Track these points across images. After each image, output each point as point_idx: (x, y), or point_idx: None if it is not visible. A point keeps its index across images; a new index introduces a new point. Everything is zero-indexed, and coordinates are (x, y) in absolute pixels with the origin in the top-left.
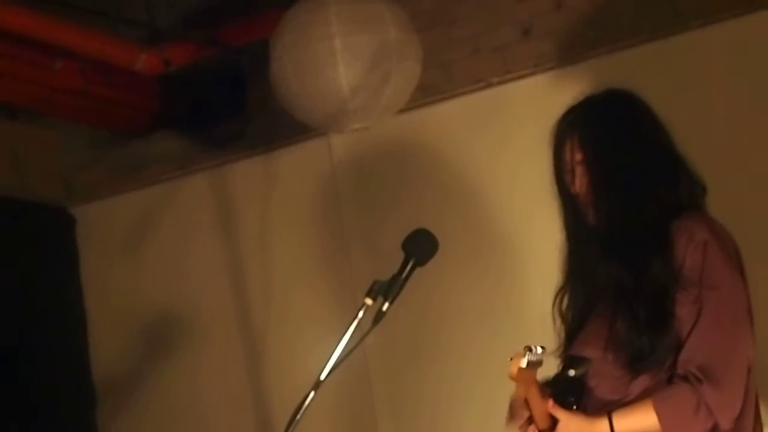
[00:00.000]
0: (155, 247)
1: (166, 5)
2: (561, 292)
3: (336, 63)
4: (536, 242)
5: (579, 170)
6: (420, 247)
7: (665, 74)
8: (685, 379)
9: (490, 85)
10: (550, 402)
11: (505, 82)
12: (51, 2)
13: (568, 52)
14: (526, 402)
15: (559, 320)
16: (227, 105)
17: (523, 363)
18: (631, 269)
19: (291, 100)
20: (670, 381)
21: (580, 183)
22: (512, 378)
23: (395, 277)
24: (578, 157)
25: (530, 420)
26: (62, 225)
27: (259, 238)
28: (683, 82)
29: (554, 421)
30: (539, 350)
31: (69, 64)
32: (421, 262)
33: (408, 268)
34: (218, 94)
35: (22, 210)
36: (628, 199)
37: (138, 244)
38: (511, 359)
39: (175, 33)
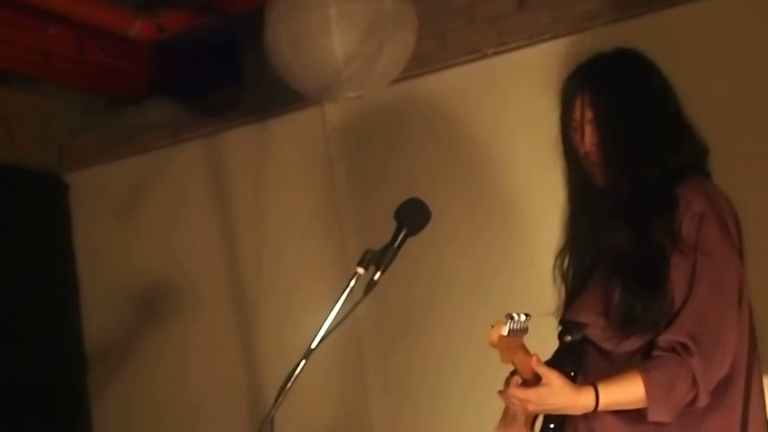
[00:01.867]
0: (148, 215)
1: None
2: (562, 253)
3: (331, 31)
4: (529, 213)
5: (589, 129)
6: (412, 216)
7: (662, 46)
8: (671, 350)
9: (485, 56)
10: (534, 358)
11: (501, 53)
12: None
13: (564, 24)
14: (516, 368)
15: (560, 282)
16: (222, 73)
17: (504, 330)
18: (633, 231)
19: (285, 68)
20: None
21: (590, 142)
22: (492, 345)
23: (387, 247)
24: (589, 115)
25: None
26: (55, 191)
27: (251, 207)
28: (680, 55)
29: (539, 377)
30: (522, 317)
31: (63, 29)
32: (413, 231)
33: (400, 237)
34: (213, 61)
35: (15, 176)
36: (637, 160)
37: (131, 212)
38: (493, 326)
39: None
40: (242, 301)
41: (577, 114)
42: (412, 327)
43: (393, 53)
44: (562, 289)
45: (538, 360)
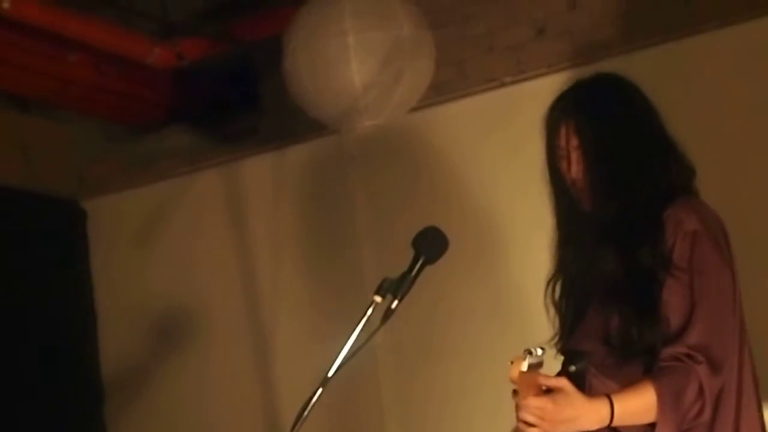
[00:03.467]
0: (166, 242)
1: None
2: (552, 280)
3: (349, 59)
4: (547, 242)
5: (575, 156)
6: (430, 244)
7: (680, 75)
8: (678, 360)
9: (503, 85)
10: (541, 376)
11: (519, 82)
12: None
13: (582, 52)
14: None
15: (552, 310)
16: (240, 100)
17: (524, 366)
18: (622, 257)
19: (303, 96)
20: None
21: (576, 169)
22: (513, 382)
23: (405, 275)
24: (574, 142)
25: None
26: (73, 218)
27: (269, 235)
28: (697, 83)
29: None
30: (539, 351)
31: (83, 56)
32: (430, 260)
33: (417, 265)
34: (231, 89)
35: (33, 203)
36: (623, 184)
37: (149, 239)
38: (512, 363)
39: (189, 27)
40: (259, 329)
41: (563, 141)
42: (431, 356)
43: (411, 82)
44: (556, 318)
45: (545, 375)
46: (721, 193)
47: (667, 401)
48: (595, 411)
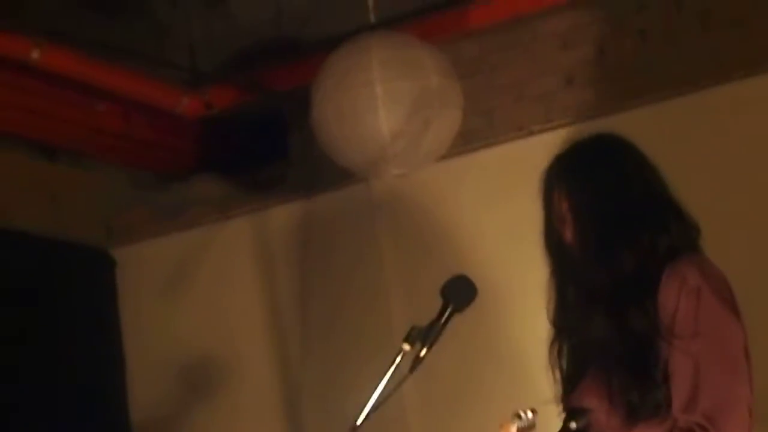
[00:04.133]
0: (195, 291)
1: (208, 49)
2: (555, 343)
3: (377, 109)
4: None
5: (568, 219)
6: (458, 293)
7: (708, 126)
8: (689, 431)
9: (531, 133)
10: None
11: (547, 131)
12: (94, 44)
13: (610, 102)
14: None
15: (556, 371)
16: (268, 149)
17: (513, 430)
18: (612, 326)
19: (331, 145)
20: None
21: (569, 233)
22: None
23: (433, 323)
24: (565, 206)
25: None
26: (102, 267)
27: (298, 283)
28: (726, 134)
29: None
30: (530, 415)
31: (111, 106)
32: (459, 308)
33: (446, 314)
34: (260, 138)
35: (62, 251)
36: (610, 250)
37: (177, 287)
38: (501, 426)
39: (217, 76)
40: (288, 378)
41: (557, 205)
42: (461, 406)
43: (439, 131)
44: (558, 377)
45: None
46: (740, 250)
47: None
48: None
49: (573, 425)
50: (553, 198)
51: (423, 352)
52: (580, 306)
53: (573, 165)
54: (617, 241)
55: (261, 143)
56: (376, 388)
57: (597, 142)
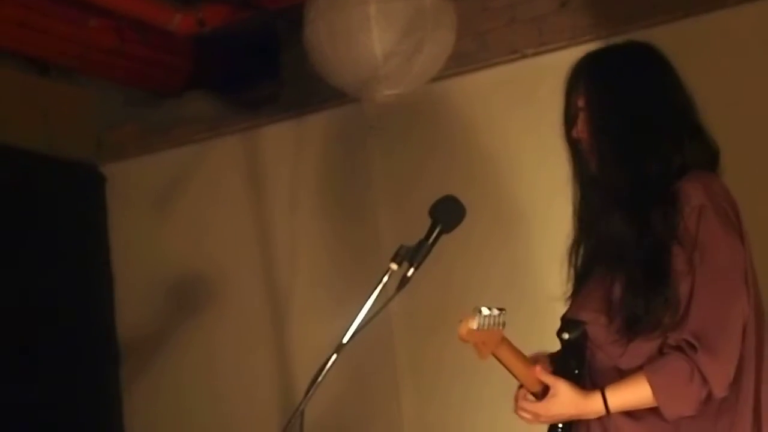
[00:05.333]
0: (184, 208)
1: None
2: (575, 244)
3: (370, 28)
4: (564, 215)
5: (581, 117)
6: (447, 213)
7: (702, 50)
8: (677, 348)
9: (524, 56)
10: (537, 367)
11: (540, 54)
12: None
13: (605, 25)
14: (506, 368)
15: (572, 274)
16: (261, 68)
17: (473, 324)
18: (631, 224)
19: (324, 64)
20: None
21: (580, 129)
22: (462, 339)
23: (421, 243)
24: (581, 102)
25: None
26: (92, 183)
27: (287, 202)
28: (720, 59)
29: (546, 387)
30: (495, 311)
31: (103, 21)
32: (447, 228)
33: (434, 234)
34: (252, 56)
35: (52, 167)
36: (629, 153)
37: (167, 205)
38: (461, 321)
39: None
40: (275, 295)
41: (573, 101)
42: (446, 325)
43: (432, 51)
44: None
45: (542, 369)
46: (746, 174)
47: (664, 394)
48: (589, 408)
49: (565, 336)
50: (572, 93)
51: (410, 272)
52: (600, 205)
53: (596, 64)
54: (635, 146)
55: (253, 62)
56: (362, 306)
57: (627, 47)
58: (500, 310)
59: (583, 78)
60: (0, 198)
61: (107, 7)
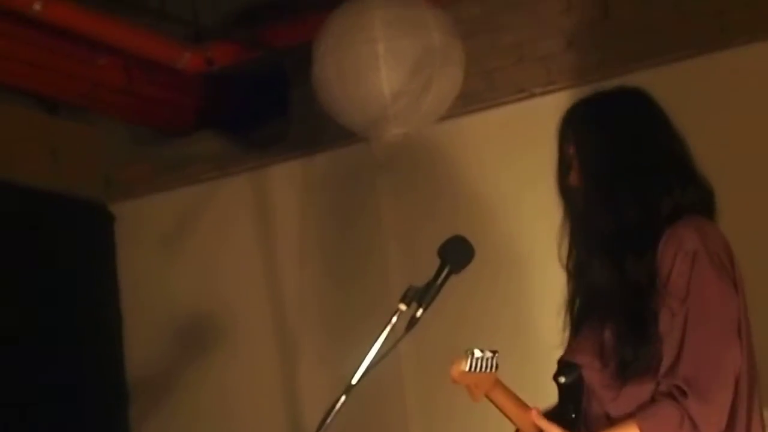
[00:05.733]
0: (193, 247)
1: (211, 4)
2: (571, 292)
3: (378, 67)
4: None
5: (574, 164)
6: (456, 253)
7: (709, 90)
8: (668, 395)
9: (532, 96)
10: (533, 411)
11: (548, 93)
12: None
13: (612, 65)
14: (500, 410)
15: (568, 315)
16: (269, 107)
17: (465, 366)
18: (610, 271)
19: (332, 103)
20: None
21: (573, 178)
22: (453, 381)
23: (430, 284)
24: (571, 150)
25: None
26: (101, 222)
27: (296, 241)
28: (728, 98)
29: (541, 431)
30: (488, 354)
31: (112, 60)
32: (456, 269)
33: (443, 274)
34: (261, 95)
35: (61, 205)
36: (612, 199)
37: (176, 243)
38: (453, 363)
39: (220, 33)
40: (284, 336)
41: (565, 149)
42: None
43: (440, 90)
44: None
45: (537, 413)
46: (745, 215)
47: None
48: None
49: (562, 379)
50: (563, 142)
51: (419, 313)
52: (584, 252)
53: (585, 111)
54: (621, 194)
55: (262, 100)
56: (372, 347)
57: (616, 94)
58: (493, 352)
59: (573, 125)
60: (8, 236)
61: (116, 46)
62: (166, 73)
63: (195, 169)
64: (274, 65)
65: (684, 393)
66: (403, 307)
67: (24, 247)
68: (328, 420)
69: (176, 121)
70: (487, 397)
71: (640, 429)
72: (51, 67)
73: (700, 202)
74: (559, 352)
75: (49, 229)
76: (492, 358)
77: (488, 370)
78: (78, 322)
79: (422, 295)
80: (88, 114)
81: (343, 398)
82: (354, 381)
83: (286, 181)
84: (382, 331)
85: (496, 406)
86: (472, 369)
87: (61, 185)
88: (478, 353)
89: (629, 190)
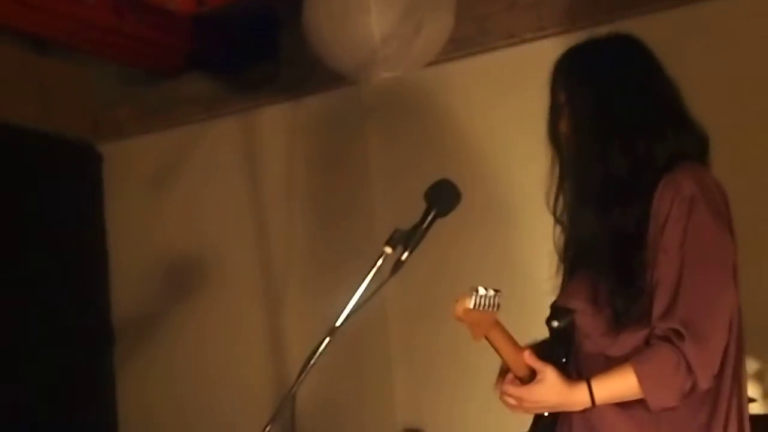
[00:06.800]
0: (180, 189)
1: None
2: (561, 233)
3: (369, 10)
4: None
5: (565, 111)
6: (442, 197)
7: (703, 37)
8: (664, 339)
9: (523, 41)
10: (527, 352)
11: (539, 39)
12: None
13: (604, 10)
14: (496, 350)
15: (562, 263)
16: (259, 49)
17: (469, 304)
18: (599, 222)
19: (322, 46)
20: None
21: (564, 126)
22: (458, 319)
23: (416, 227)
24: (562, 98)
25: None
26: (89, 161)
27: (283, 183)
28: (721, 45)
29: (533, 372)
30: (491, 292)
31: None
32: (442, 212)
33: (429, 218)
34: (251, 37)
35: (49, 144)
36: (602, 149)
37: (163, 185)
38: (457, 300)
39: None
40: (269, 277)
41: (557, 98)
42: (440, 309)
43: (431, 34)
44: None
45: (531, 354)
46: (736, 163)
47: (650, 385)
48: (574, 398)
49: (555, 323)
50: (555, 89)
51: (404, 256)
52: (572, 200)
53: (575, 59)
54: (612, 143)
55: (251, 42)
56: (357, 289)
57: (607, 40)
58: (496, 291)
59: (564, 73)
60: None
61: None
62: (156, 14)
63: (183, 111)
64: (265, 7)
65: (681, 336)
66: (388, 250)
67: (10, 185)
68: (312, 362)
69: (165, 62)
70: (485, 337)
71: (636, 373)
72: (40, 5)
73: (695, 149)
74: (547, 298)
75: (36, 168)
76: (495, 296)
77: (491, 308)
78: (63, 263)
79: (408, 239)
80: (78, 54)
81: (327, 340)
82: (338, 323)
83: (275, 124)
84: (368, 273)
85: (493, 347)
86: (476, 306)
87: (50, 125)
88: (482, 291)
89: (619, 139)
